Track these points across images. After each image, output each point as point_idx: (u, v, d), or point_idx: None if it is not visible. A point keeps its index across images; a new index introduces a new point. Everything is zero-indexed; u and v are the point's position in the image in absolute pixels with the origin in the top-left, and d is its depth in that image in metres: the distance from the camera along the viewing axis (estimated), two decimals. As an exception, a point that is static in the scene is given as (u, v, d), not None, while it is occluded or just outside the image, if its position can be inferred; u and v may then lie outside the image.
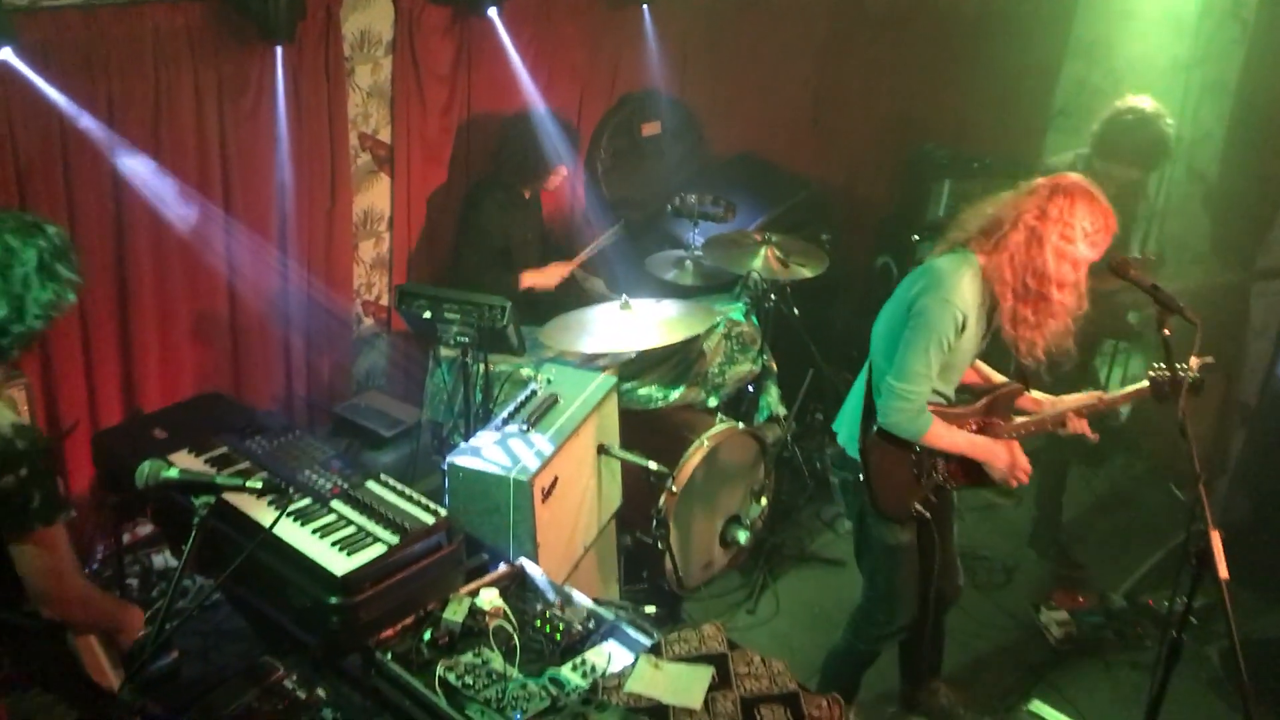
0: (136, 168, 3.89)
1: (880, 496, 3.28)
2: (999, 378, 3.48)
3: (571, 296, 5.01)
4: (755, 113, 6.22)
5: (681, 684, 2.72)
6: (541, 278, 4.94)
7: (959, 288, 3.08)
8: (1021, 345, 3.12)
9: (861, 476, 3.28)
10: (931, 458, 3.29)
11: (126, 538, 3.94)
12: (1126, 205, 4.44)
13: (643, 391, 4.50)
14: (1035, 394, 3.46)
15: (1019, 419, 3.41)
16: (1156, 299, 3.00)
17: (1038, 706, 3.97)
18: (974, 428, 3.31)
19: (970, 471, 3.36)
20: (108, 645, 2.58)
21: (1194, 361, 3.08)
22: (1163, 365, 3.21)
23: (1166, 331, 2.98)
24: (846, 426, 3.37)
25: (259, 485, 2.44)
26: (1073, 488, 5.39)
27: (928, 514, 3.35)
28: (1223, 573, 2.58)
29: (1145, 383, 3.35)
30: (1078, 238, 3.03)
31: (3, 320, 2.31)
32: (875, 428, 3.20)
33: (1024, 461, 3.31)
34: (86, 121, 3.70)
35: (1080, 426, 3.40)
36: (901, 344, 3.12)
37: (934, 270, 3.13)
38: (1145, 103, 4.24)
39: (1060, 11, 6.16)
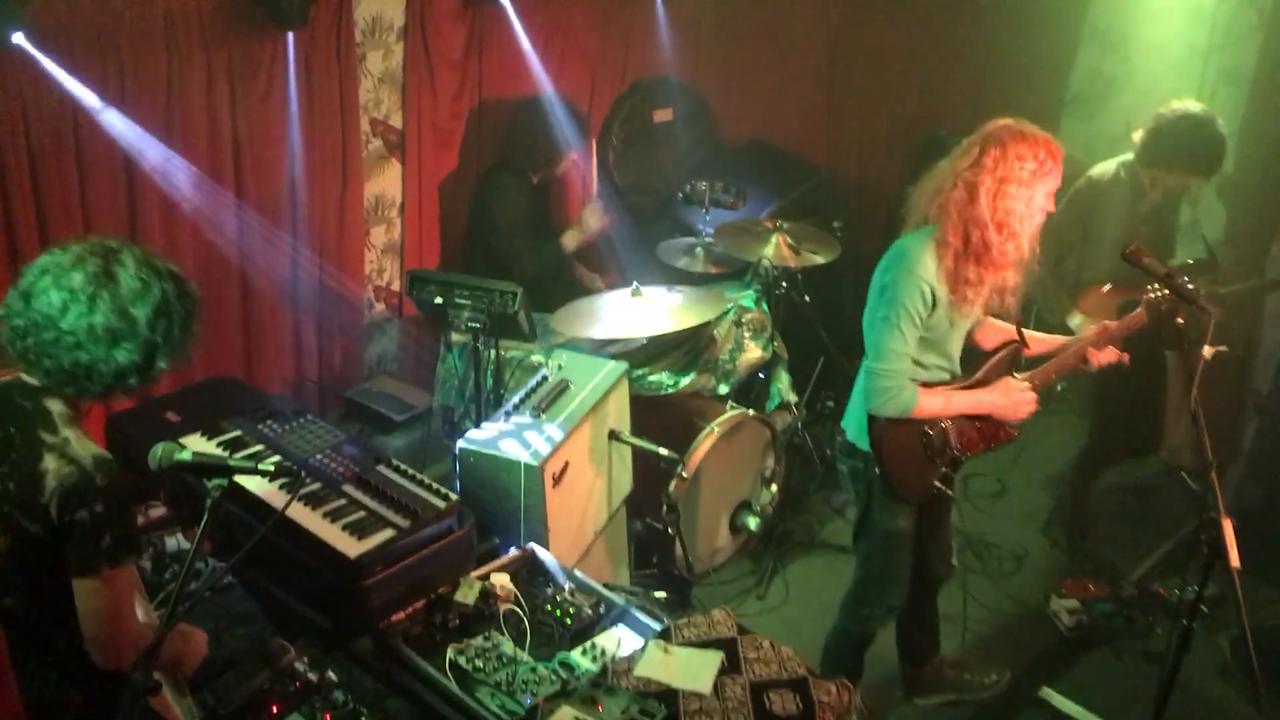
0: (148, 152, 3.89)
1: (897, 481, 3.28)
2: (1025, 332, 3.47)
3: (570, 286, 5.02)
4: (767, 99, 6.19)
5: (691, 669, 2.73)
6: (581, 227, 4.97)
7: (922, 260, 3.10)
8: (962, 307, 3.15)
9: (874, 465, 3.28)
10: (943, 433, 3.28)
11: (139, 520, 3.95)
12: (1169, 212, 4.40)
13: (653, 378, 4.50)
14: (1042, 336, 3.50)
15: (1039, 368, 3.40)
16: (1171, 288, 3.00)
17: (1048, 694, 3.97)
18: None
19: (984, 435, 3.36)
20: (170, 679, 2.51)
21: (1207, 351, 3.07)
22: (1159, 287, 3.17)
23: (1180, 321, 2.97)
24: (854, 418, 3.37)
25: (271, 468, 2.44)
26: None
27: (949, 490, 3.36)
28: (1234, 561, 2.58)
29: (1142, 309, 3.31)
30: (1022, 178, 3.02)
31: (133, 364, 2.28)
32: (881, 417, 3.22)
33: (1021, 394, 3.29)
34: (98, 106, 3.70)
35: (1105, 358, 3.38)
36: (874, 325, 3.16)
37: (897, 249, 3.18)
38: (1195, 108, 4.13)
39: (1075, -3, 6.14)
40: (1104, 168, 4.39)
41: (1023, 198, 3.04)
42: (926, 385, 3.22)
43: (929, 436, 3.27)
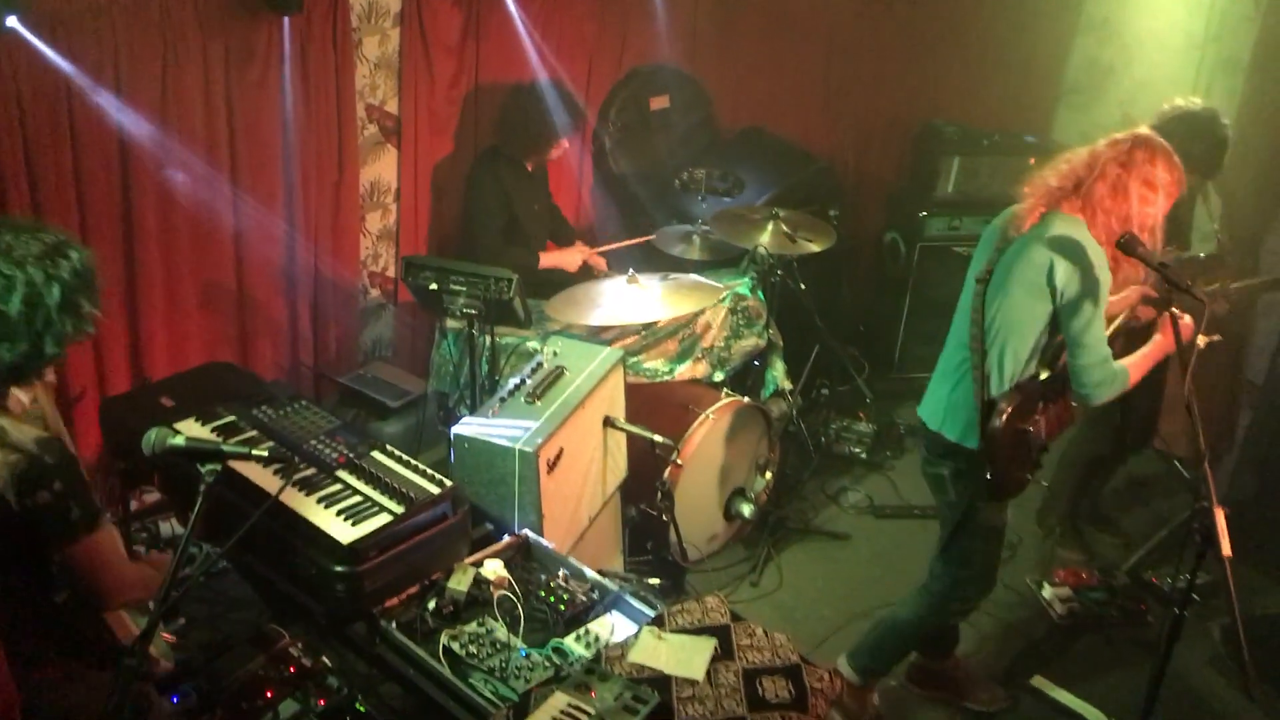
0: (144, 137, 3.88)
1: (1008, 479, 3.23)
2: None
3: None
4: (764, 87, 6.18)
5: (684, 655, 2.74)
6: (562, 260, 4.98)
7: (1096, 249, 3.04)
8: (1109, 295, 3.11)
9: (985, 467, 3.20)
10: (1038, 426, 3.25)
11: (134, 505, 3.96)
12: (1179, 208, 4.38)
13: (649, 365, 4.50)
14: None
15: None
16: (1165, 277, 2.99)
17: (1040, 682, 3.99)
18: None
19: (1061, 423, 3.36)
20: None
21: (1201, 341, 3.08)
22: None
23: (1175, 310, 2.98)
24: (961, 419, 3.25)
25: (265, 454, 2.44)
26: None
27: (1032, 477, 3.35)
28: (1226, 550, 2.59)
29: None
30: (1159, 186, 3.04)
31: (22, 356, 2.25)
32: (1004, 415, 3.12)
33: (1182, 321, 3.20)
34: (93, 91, 3.69)
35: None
36: (1077, 323, 3.05)
37: (1062, 242, 3.05)
38: (1196, 105, 4.12)
39: (1073, -13, 6.12)
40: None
41: (1160, 205, 3.06)
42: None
43: (1030, 434, 3.22)
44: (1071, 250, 3.03)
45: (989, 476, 3.20)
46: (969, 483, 3.29)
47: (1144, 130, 3.14)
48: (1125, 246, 3.07)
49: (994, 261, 3.17)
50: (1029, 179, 3.23)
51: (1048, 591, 4.44)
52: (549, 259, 4.93)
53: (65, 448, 2.32)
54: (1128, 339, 3.98)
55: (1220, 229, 4.35)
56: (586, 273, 5.05)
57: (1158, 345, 3.29)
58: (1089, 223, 3.06)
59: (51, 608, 2.41)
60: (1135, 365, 3.20)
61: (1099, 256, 3.03)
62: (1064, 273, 3.02)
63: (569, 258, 5.00)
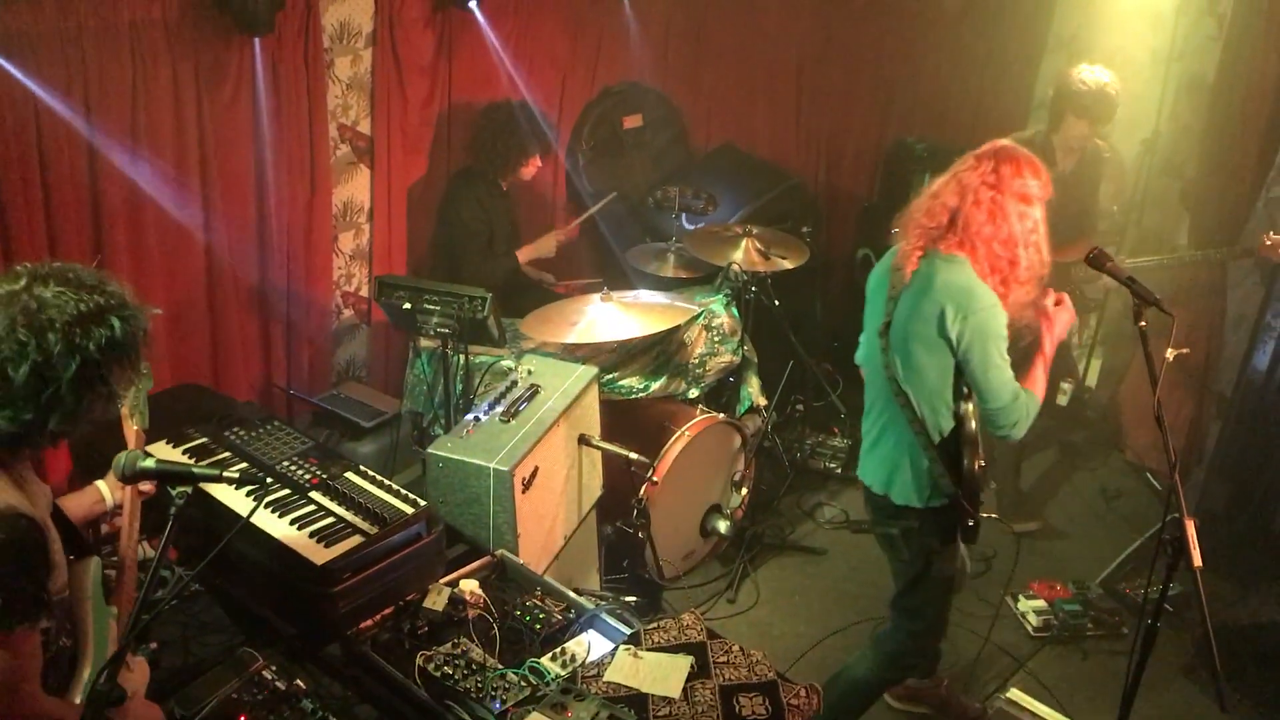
0: (114, 158, 3.86)
1: (977, 523, 3.19)
2: None
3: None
4: (737, 106, 6.23)
5: (660, 673, 2.73)
6: (538, 248, 5.02)
7: (978, 286, 2.99)
8: None
9: (942, 520, 3.19)
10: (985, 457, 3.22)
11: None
12: (1081, 185, 4.60)
13: (624, 382, 4.51)
14: None
15: None
16: (1133, 291, 3.02)
17: (1016, 695, 3.99)
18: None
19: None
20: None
21: (1170, 353, 3.09)
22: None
23: (1142, 324, 3.00)
24: (901, 480, 3.20)
25: (236, 476, 2.41)
26: (1052, 476, 5.47)
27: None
28: (1196, 561, 2.60)
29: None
30: (1033, 198, 3.01)
31: (23, 426, 2.04)
32: (976, 459, 3.11)
33: (1055, 310, 3.21)
34: (63, 112, 3.67)
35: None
36: (977, 371, 3.00)
37: (948, 289, 2.99)
38: (1097, 66, 4.41)
39: (1041, 5, 6.19)
40: (1020, 134, 4.64)
41: (1036, 215, 3.03)
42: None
43: (985, 468, 3.21)
44: (957, 296, 2.97)
45: (971, 524, 3.16)
46: (922, 538, 3.25)
47: (1002, 141, 3.11)
48: (1094, 262, 3.10)
49: (890, 313, 3.11)
50: (900, 219, 3.19)
51: (1022, 604, 4.46)
52: (525, 252, 4.98)
53: (24, 531, 2.04)
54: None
55: (1118, 211, 4.56)
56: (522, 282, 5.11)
57: (1048, 343, 3.19)
58: (971, 258, 3.01)
59: None
60: (1038, 380, 3.15)
61: (986, 295, 2.98)
62: (954, 321, 2.97)
63: (542, 245, 5.05)
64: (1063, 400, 5.83)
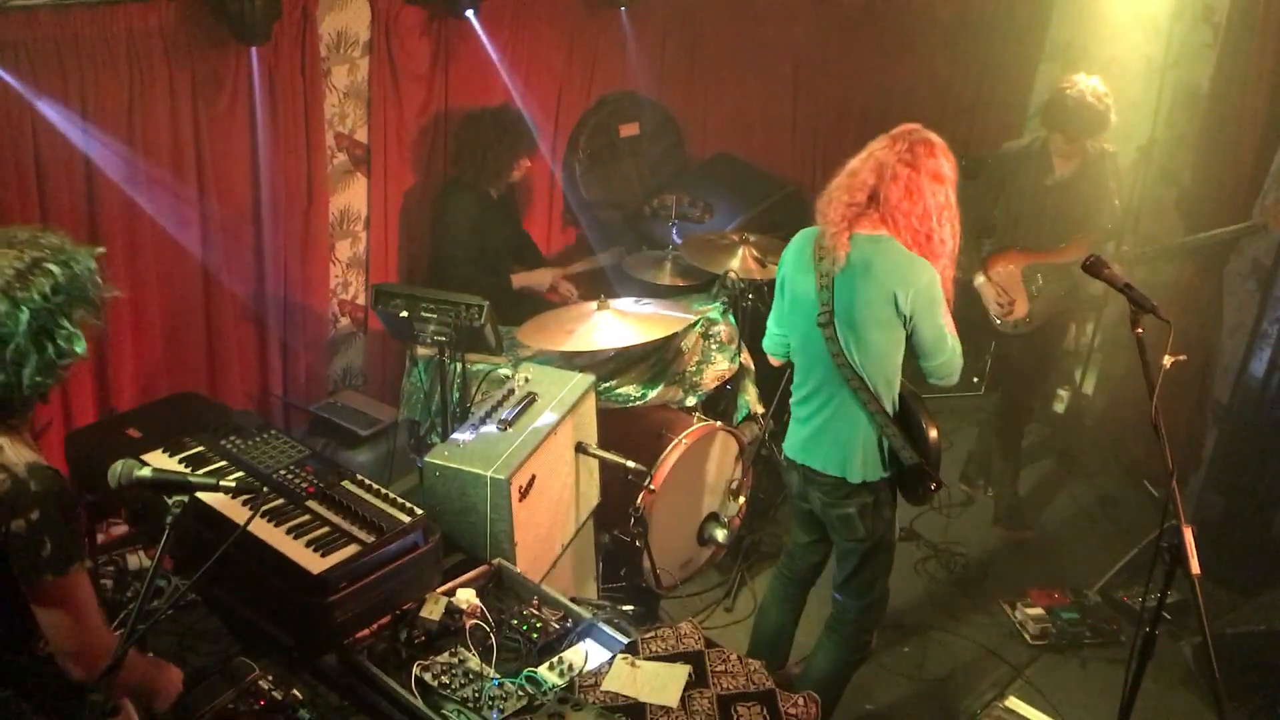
0: (111, 167, 3.86)
1: (939, 485, 3.32)
2: None
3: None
4: (732, 113, 6.24)
5: (658, 682, 2.73)
6: (532, 279, 5.03)
7: (913, 259, 3.10)
8: None
9: (911, 483, 3.31)
10: None
11: (100, 538, 3.91)
12: (1083, 187, 4.59)
13: (621, 390, 4.50)
14: None
15: None
16: (1130, 298, 3.02)
17: (1014, 703, 3.99)
18: None
19: None
20: (141, 711, 2.47)
21: (1167, 361, 3.09)
22: None
23: (1139, 331, 3.00)
24: (854, 459, 3.27)
25: (233, 485, 2.41)
26: (1050, 483, 5.46)
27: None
28: (1195, 568, 2.60)
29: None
30: (945, 179, 3.13)
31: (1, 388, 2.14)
32: (934, 426, 3.25)
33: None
34: (60, 122, 3.67)
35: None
36: (926, 336, 3.15)
37: (895, 269, 3.10)
38: (1087, 78, 4.40)
39: (1037, 14, 6.21)
40: (1016, 142, 4.77)
41: (949, 195, 3.14)
42: None
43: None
44: (903, 274, 3.09)
45: (933, 487, 3.29)
46: (878, 510, 3.35)
47: (913, 125, 3.21)
48: (1091, 269, 3.10)
49: (827, 303, 3.16)
50: (820, 199, 3.30)
51: (1020, 612, 4.46)
52: (520, 279, 4.97)
53: (56, 480, 2.18)
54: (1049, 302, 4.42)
55: (1120, 206, 4.71)
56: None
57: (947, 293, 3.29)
58: (893, 232, 3.11)
59: (32, 660, 2.30)
60: (950, 324, 3.27)
61: (924, 265, 3.10)
62: (906, 297, 3.08)
63: (538, 278, 5.04)
64: (1060, 408, 5.85)
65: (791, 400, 3.45)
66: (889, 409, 3.22)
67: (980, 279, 4.69)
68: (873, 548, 3.41)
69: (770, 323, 3.51)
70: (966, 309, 3.92)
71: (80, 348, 2.23)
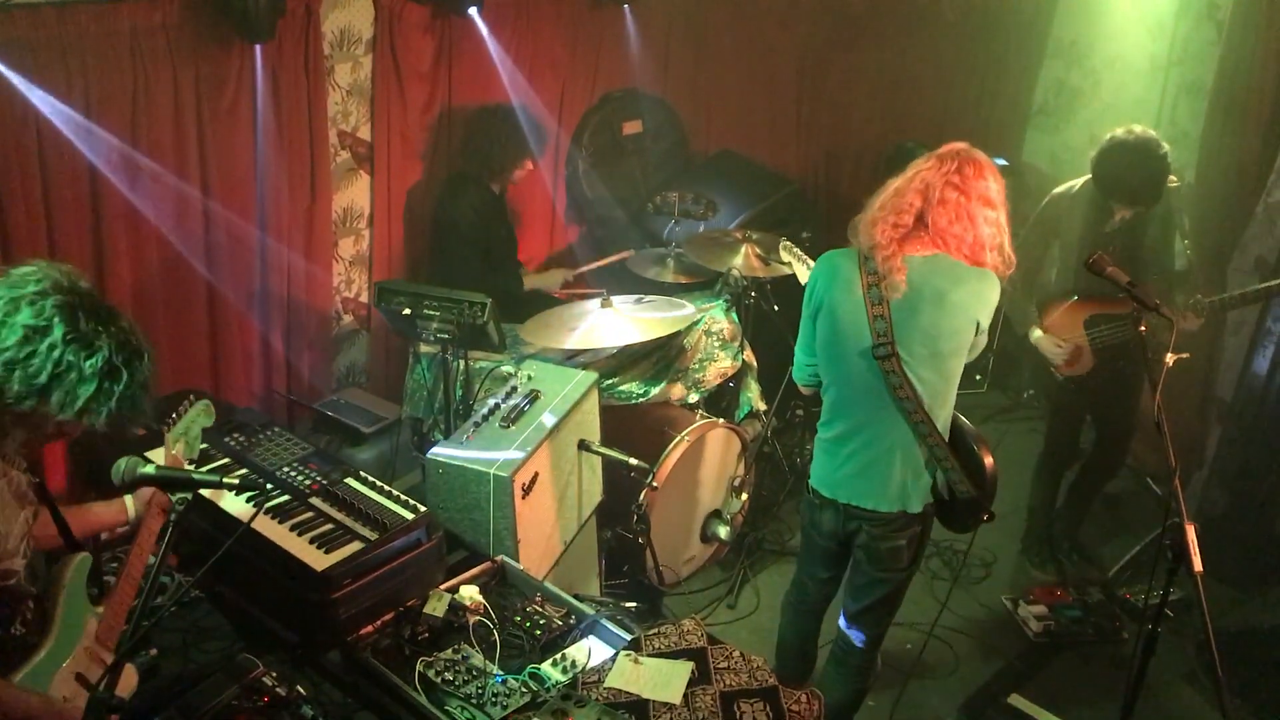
0: (114, 165, 3.86)
1: (992, 515, 3.27)
2: None
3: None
4: (736, 111, 6.23)
5: (661, 679, 2.73)
6: (544, 280, 5.08)
7: (980, 275, 3.03)
8: None
9: (966, 511, 3.23)
10: None
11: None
12: (1140, 231, 4.29)
13: (623, 388, 4.51)
14: None
15: None
16: (1133, 296, 3.03)
17: (1017, 700, 4.00)
18: None
19: None
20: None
21: (1170, 358, 3.09)
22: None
23: (1143, 328, 3.01)
24: (912, 494, 3.17)
25: (236, 482, 2.41)
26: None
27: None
28: (1197, 566, 2.60)
29: None
30: (997, 203, 3.02)
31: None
32: (988, 456, 3.18)
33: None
34: (63, 120, 3.67)
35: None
36: (976, 345, 3.15)
37: (971, 297, 3.02)
38: (1131, 136, 4.06)
39: (1040, 12, 6.21)
40: (1068, 185, 4.40)
41: (1000, 219, 3.03)
42: None
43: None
44: (982, 297, 3.03)
45: (985, 519, 3.22)
46: (923, 539, 3.30)
47: (961, 144, 3.10)
48: (1093, 267, 3.10)
49: (884, 333, 3.01)
50: (861, 217, 3.17)
51: (1023, 610, 4.46)
52: (530, 280, 4.98)
53: None
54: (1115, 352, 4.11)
55: (1188, 245, 4.39)
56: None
57: None
58: (946, 250, 3.02)
59: None
60: None
61: (993, 281, 3.04)
62: (986, 319, 3.06)
63: (550, 279, 5.05)
64: None
65: (823, 435, 3.28)
66: (945, 436, 3.12)
67: (1037, 333, 4.42)
68: (907, 576, 3.34)
69: (799, 351, 3.32)
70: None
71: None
